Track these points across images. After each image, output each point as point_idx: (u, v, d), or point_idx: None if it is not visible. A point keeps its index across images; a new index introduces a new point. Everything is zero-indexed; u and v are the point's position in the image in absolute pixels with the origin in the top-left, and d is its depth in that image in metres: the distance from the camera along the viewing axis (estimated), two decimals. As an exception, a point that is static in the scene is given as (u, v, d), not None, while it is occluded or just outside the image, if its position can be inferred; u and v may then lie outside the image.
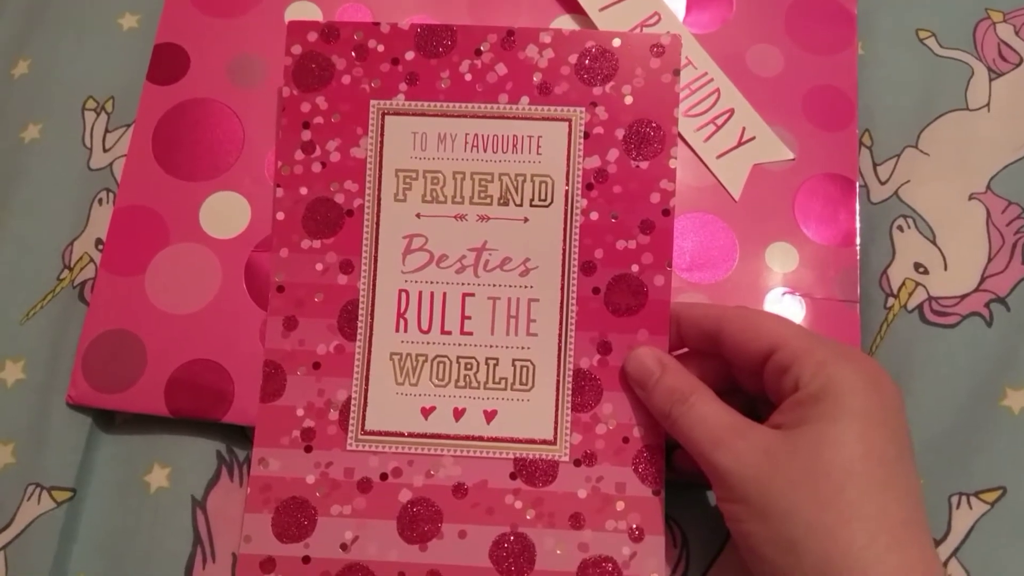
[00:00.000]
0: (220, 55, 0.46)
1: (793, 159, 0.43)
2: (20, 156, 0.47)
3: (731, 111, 0.44)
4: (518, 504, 0.38)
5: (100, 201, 0.46)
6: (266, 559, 0.38)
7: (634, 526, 0.37)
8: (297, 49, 0.41)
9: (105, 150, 0.47)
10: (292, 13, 0.46)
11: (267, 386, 0.39)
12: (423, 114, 0.40)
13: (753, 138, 0.43)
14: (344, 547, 0.38)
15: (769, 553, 0.31)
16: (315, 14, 0.47)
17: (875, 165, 0.46)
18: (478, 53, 0.40)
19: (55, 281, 0.45)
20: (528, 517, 0.38)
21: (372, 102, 0.40)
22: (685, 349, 0.39)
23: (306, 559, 0.38)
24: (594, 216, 0.39)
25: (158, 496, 0.41)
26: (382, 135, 0.40)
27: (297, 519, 0.38)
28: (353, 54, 0.40)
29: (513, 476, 0.38)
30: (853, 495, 0.30)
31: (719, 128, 0.44)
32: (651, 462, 0.38)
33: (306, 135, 0.40)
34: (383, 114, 0.40)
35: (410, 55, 0.40)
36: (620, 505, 0.38)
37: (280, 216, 0.40)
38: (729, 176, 0.43)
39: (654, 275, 0.38)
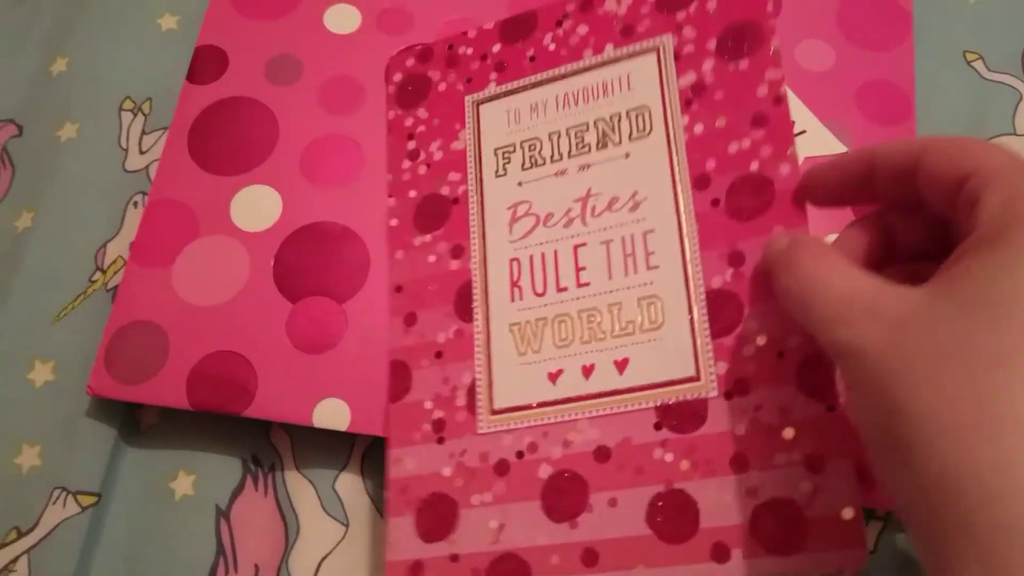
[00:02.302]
0: (259, 55, 0.46)
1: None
2: (56, 155, 0.47)
3: (781, 104, 0.43)
4: (669, 457, 0.33)
5: (135, 204, 0.46)
6: (414, 563, 0.35)
7: (810, 453, 0.31)
8: (398, 77, 0.42)
9: (141, 152, 0.47)
10: (331, 15, 0.47)
11: (395, 385, 0.38)
12: (514, 92, 0.39)
13: (804, 132, 0.42)
14: (491, 538, 0.35)
15: (883, 453, 0.24)
16: (354, 16, 0.47)
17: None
18: (559, 24, 0.39)
19: (87, 282, 0.44)
20: (683, 469, 0.32)
21: (467, 97, 0.40)
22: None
23: (454, 557, 0.35)
24: (699, 129, 0.36)
25: (182, 503, 0.40)
26: (478, 123, 0.40)
27: (440, 516, 0.35)
28: (446, 64, 0.41)
29: (658, 426, 0.33)
30: (1018, 389, 0.22)
31: (768, 122, 0.42)
32: (817, 372, 0.31)
33: (411, 145, 0.41)
34: (477, 105, 0.40)
35: (496, 47, 0.40)
36: (788, 433, 0.31)
37: (394, 223, 0.40)
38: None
39: (778, 165, 0.34)
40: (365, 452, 0.41)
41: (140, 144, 0.47)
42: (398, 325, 0.38)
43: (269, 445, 0.41)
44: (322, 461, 0.41)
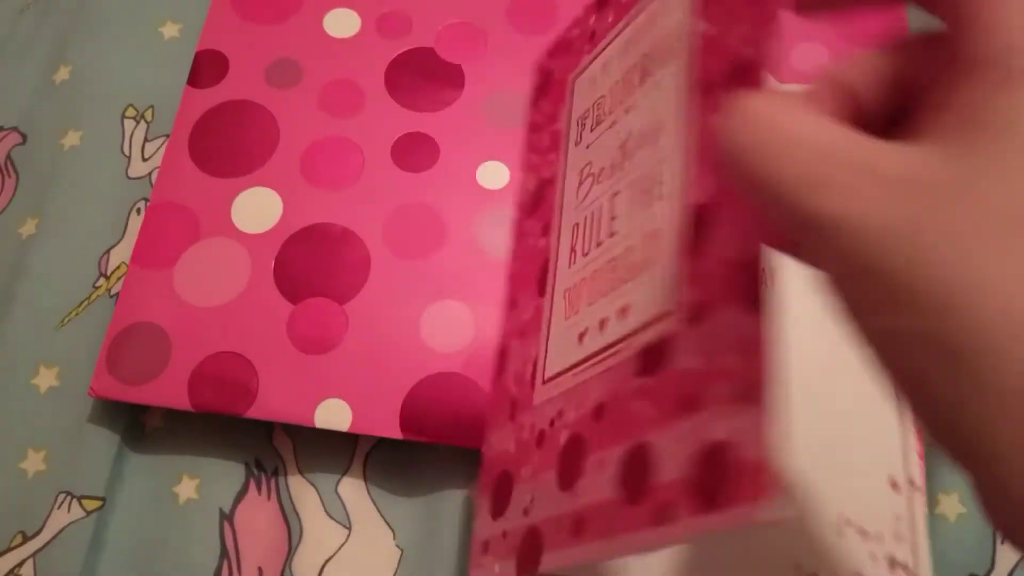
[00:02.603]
0: (259, 59, 0.46)
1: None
2: (59, 163, 0.47)
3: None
4: (643, 407, 0.28)
5: (138, 211, 0.46)
6: (484, 542, 0.35)
7: (746, 383, 0.24)
8: (533, 82, 0.42)
9: (144, 159, 0.47)
10: (330, 19, 0.47)
11: (496, 370, 0.38)
12: (595, 58, 0.39)
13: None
14: (525, 511, 0.33)
15: (922, 364, 0.18)
16: (354, 20, 0.47)
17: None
18: None
19: (91, 289, 0.44)
20: (650, 417, 0.27)
21: (568, 77, 0.40)
22: None
23: (504, 534, 0.34)
24: (710, 29, 0.31)
25: (186, 508, 0.40)
26: (572, 99, 0.39)
27: (502, 493, 0.35)
28: (561, 52, 0.41)
29: (638, 373, 0.29)
30: None
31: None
32: (746, 270, 0.25)
33: (532, 138, 0.41)
34: (573, 81, 0.40)
35: (592, 19, 0.39)
36: (725, 353, 0.25)
37: (514, 216, 0.40)
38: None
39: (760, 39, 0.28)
40: (367, 455, 0.41)
41: (143, 151, 0.47)
42: (505, 311, 0.38)
43: (272, 449, 0.41)
44: (324, 465, 0.41)
